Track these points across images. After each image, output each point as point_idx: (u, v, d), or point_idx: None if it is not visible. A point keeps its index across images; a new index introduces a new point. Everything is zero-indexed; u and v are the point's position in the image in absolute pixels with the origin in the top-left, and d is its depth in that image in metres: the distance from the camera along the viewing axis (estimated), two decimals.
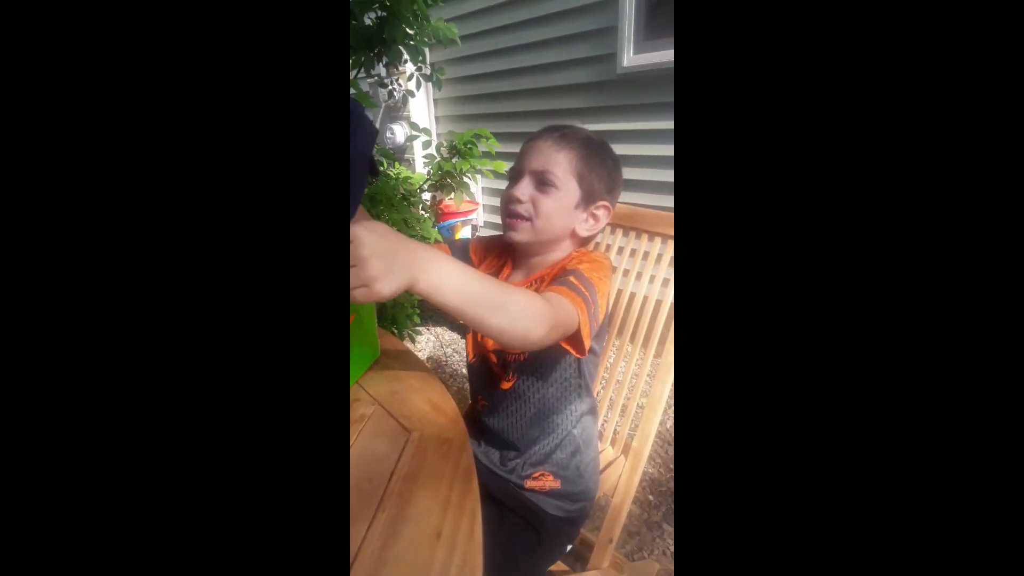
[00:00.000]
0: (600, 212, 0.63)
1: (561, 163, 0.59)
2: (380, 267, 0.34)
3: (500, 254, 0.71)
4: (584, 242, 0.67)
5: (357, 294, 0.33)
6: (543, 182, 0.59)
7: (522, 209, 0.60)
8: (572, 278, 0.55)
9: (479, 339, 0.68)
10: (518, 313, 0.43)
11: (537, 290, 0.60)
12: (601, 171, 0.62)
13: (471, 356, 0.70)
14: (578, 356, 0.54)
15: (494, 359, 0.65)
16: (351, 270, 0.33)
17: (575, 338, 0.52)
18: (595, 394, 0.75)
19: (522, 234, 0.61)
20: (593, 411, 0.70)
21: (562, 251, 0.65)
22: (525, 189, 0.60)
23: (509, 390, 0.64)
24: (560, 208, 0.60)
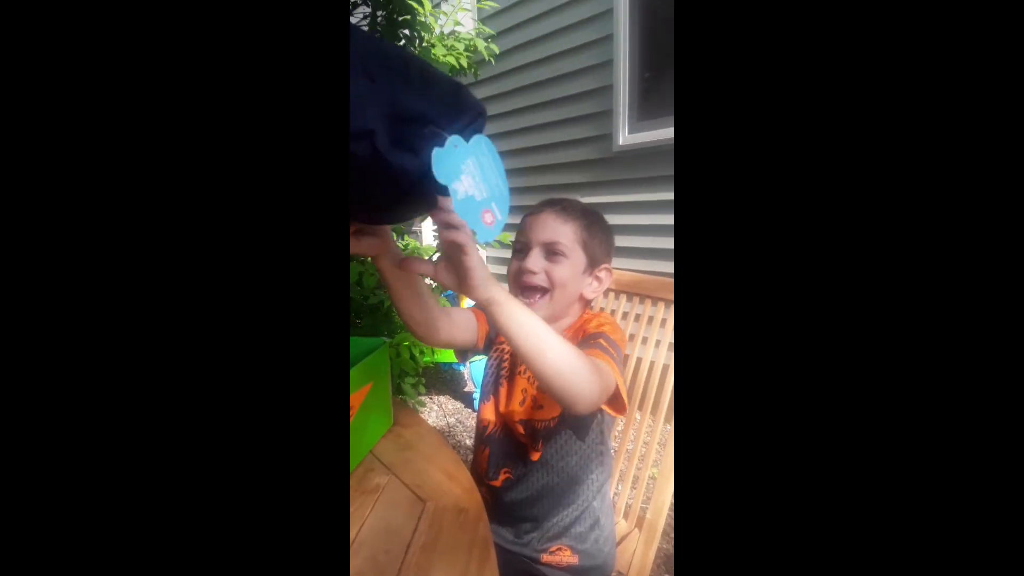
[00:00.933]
0: (603, 274, 0.68)
1: (568, 233, 0.64)
2: (480, 276, 0.42)
3: None
4: (587, 304, 0.71)
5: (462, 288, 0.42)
6: (554, 252, 0.63)
7: (537, 280, 0.64)
8: (602, 340, 0.57)
9: (503, 408, 0.67)
10: (577, 369, 0.46)
11: None
12: (601, 236, 0.67)
13: (492, 426, 0.69)
14: (618, 415, 0.55)
15: (521, 430, 0.65)
16: (462, 271, 0.42)
17: (615, 398, 0.54)
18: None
19: (542, 309, 0.64)
20: (608, 482, 0.69)
21: (572, 315, 0.68)
22: (537, 261, 0.64)
23: (537, 461, 0.63)
24: (572, 275, 0.64)
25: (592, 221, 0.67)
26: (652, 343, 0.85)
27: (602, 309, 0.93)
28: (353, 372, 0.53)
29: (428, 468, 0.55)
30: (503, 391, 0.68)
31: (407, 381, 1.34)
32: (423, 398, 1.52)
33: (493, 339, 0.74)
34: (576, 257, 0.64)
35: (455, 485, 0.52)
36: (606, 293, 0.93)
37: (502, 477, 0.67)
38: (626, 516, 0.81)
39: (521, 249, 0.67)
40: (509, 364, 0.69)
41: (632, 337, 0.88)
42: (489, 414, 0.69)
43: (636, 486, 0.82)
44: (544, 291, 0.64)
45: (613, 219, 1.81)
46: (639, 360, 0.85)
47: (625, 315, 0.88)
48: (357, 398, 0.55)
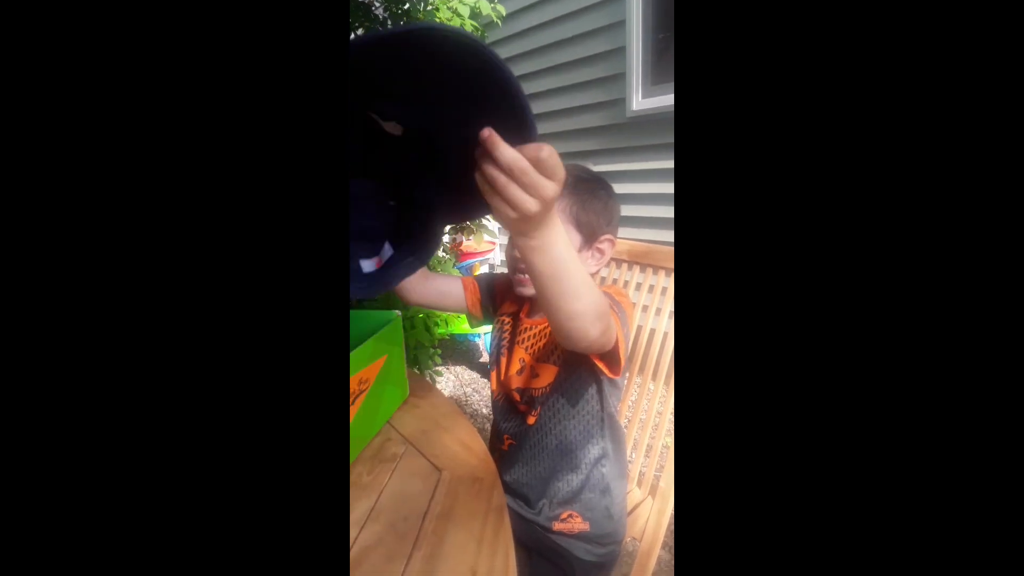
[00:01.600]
0: (604, 246, 0.63)
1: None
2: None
3: (518, 295, 0.73)
4: (593, 277, 0.68)
5: (526, 202, 0.32)
6: None
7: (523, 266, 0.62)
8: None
9: (503, 376, 0.69)
10: (592, 306, 0.41)
11: None
12: (597, 207, 0.62)
13: (496, 395, 0.71)
14: (612, 376, 0.53)
15: (518, 397, 0.66)
16: (529, 179, 0.31)
17: (612, 355, 0.51)
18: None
19: (529, 288, 0.62)
20: (620, 450, 0.69)
21: None
22: None
23: (534, 425, 0.64)
24: None
25: (587, 192, 0.62)
26: (666, 314, 0.84)
27: (614, 281, 0.92)
28: (367, 345, 0.54)
29: (444, 438, 0.56)
30: (503, 360, 0.69)
31: (423, 353, 1.36)
32: (440, 368, 1.55)
33: (493, 308, 0.75)
34: (570, 237, 0.61)
35: (470, 455, 0.53)
36: (618, 264, 0.91)
37: (506, 443, 0.69)
38: (640, 484, 0.83)
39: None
40: (510, 334, 0.70)
41: (646, 308, 0.87)
42: (494, 383, 0.71)
43: (650, 455, 0.82)
44: None
45: (626, 188, 1.76)
46: (652, 331, 0.84)
47: (639, 286, 0.87)
48: (372, 371, 0.56)
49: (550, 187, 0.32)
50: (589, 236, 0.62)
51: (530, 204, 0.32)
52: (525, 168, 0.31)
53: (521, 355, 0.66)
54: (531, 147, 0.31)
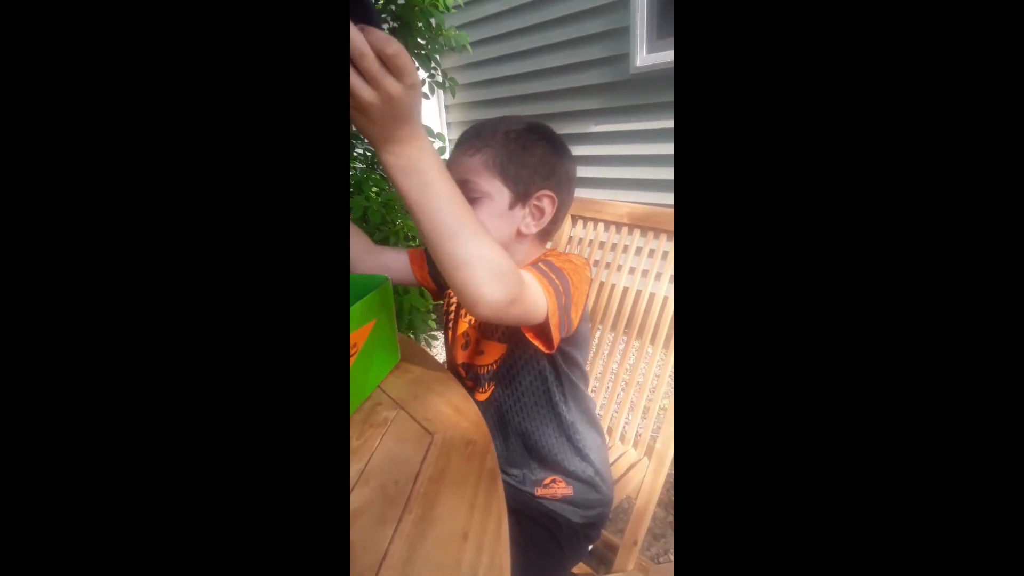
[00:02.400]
0: (544, 203, 0.57)
1: (478, 169, 0.54)
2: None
3: None
4: (543, 237, 0.61)
5: (362, 90, 0.31)
6: (467, 194, 0.52)
7: None
8: (542, 264, 0.51)
9: (450, 355, 0.66)
10: (482, 260, 0.38)
11: None
12: (530, 160, 0.55)
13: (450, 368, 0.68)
14: (546, 351, 0.50)
15: (463, 372, 0.63)
16: (366, 64, 0.30)
17: (542, 329, 0.48)
18: (595, 396, 0.71)
19: None
20: (589, 417, 0.66)
21: (522, 255, 0.60)
22: None
23: (486, 401, 0.62)
24: (493, 216, 0.55)
25: (515, 144, 0.55)
26: (666, 278, 0.82)
27: (614, 246, 0.89)
28: (355, 309, 0.52)
29: (436, 402, 0.55)
30: (449, 335, 0.67)
31: (417, 317, 1.36)
32: (435, 333, 1.54)
33: (444, 284, 0.70)
34: (495, 193, 0.55)
35: (463, 418, 0.52)
36: (618, 228, 0.89)
37: None
38: (636, 445, 0.83)
39: None
40: (455, 307, 0.67)
41: (645, 273, 0.85)
42: (448, 360, 0.69)
43: (646, 416, 0.83)
44: None
45: (628, 149, 1.70)
46: (652, 296, 0.83)
47: (639, 250, 0.84)
48: (360, 335, 0.54)
49: (393, 84, 0.31)
50: (522, 192, 0.56)
51: (366, 93, 0.31)
52: (363, 51, 0.29)
53: (465, 328, 0.64)
54: (378, 36, 0.30)
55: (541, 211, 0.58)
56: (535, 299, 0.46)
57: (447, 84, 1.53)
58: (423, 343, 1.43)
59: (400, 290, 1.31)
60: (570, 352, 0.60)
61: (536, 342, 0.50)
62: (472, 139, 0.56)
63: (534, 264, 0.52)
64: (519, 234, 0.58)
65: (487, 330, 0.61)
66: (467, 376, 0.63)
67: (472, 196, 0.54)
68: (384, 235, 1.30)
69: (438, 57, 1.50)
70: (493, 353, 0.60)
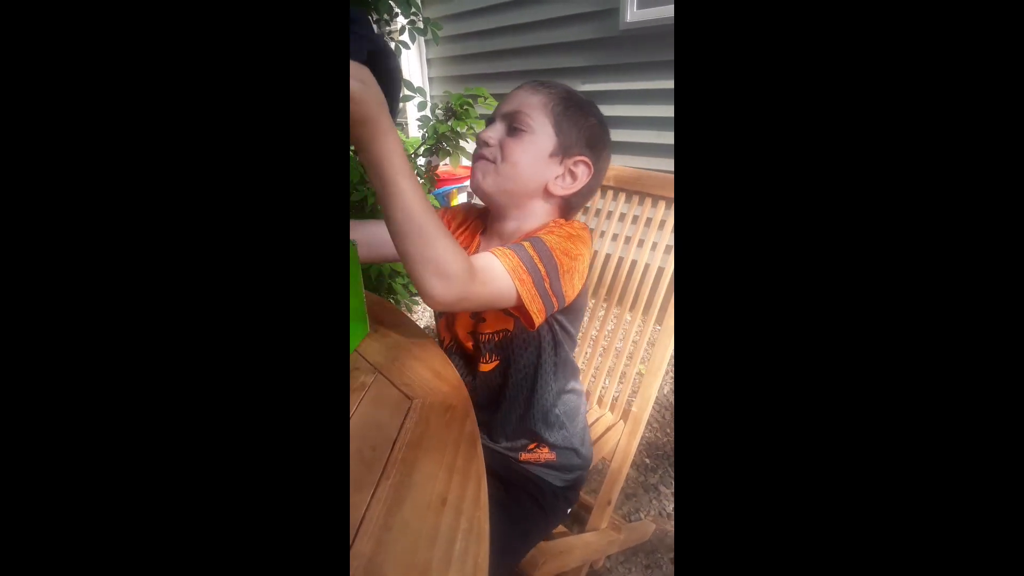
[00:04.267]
0: (579, 169, 0.57)
1: (535, 105, 0.55)
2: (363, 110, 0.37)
3: (474, 221, 0.67)
4: (564, 207, 0.60)
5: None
6: (515, 124, 0.55)
7: (488, 152, 0.56)
8: (527, 244, 0.50)
9: (449, 322, 0.65)
10: (429, 260, 0.42)
11: None
12: (581, 121, 0.56)
13: (445, 340, 0.67)
14: (528, 328, 0.52)
15: (470, 342, 0.63)
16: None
17: (520, 310, 0.50)
18: (581, 367, 0.73)
19: (486, 179, 0.56)
20: (576, 388, 0.68)
21: (536, 216, 0.59)
22: (495, 132, 0.56)
23: (490, 372, 0.62)
24: (531, 154, 0.55)
25: (574, 102, 0.57)
26: (648, 245, 0.81)
27: (598, 211, 0.87)
28: None
29: (415, 366, 0.54)
30: None
31: (397, 282, 1.33)
32: (416, 298, 1.52)
33: None
34: (542, 133, 0.55)
35: (442, 383, 0.51)
36: (602, 192, 0.86)
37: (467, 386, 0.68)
38: (612, 408, 0.85)
39: (488, 122, 0.59)
40: None
41: (628, 240, 0.84)
42: (443, 330, 0.67)
43: (623, 381, 0.84)
44: (493, 164, 0.56)
45: (617, 110, 1.65)
46: (633, 263, 0.82)
47: (623, 216, 0.83)
48: None
49: (353, 84, 0.36)
50: (565, 146, 0.56)
51: None
52: None
53: None
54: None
55: (575, 176, 0.57)
56: (496, 290, 0.48)
57: (428, 31, 1.43)
58: (403, 308, 1.41)
59: None
60: (564, 322, 0.60)
61: (519, 316, 0.51)
62: (537, 83, 0.58)
63: (519, 244, 0.51)
64: (547, 192, 0.57)
65: None
66: (473, 345, 0.63)
67: (520, 128, 0.55)
68: (362, 195, 1.25)
69: (419, 2, 1.40)
70: (498, 323, 0.59)
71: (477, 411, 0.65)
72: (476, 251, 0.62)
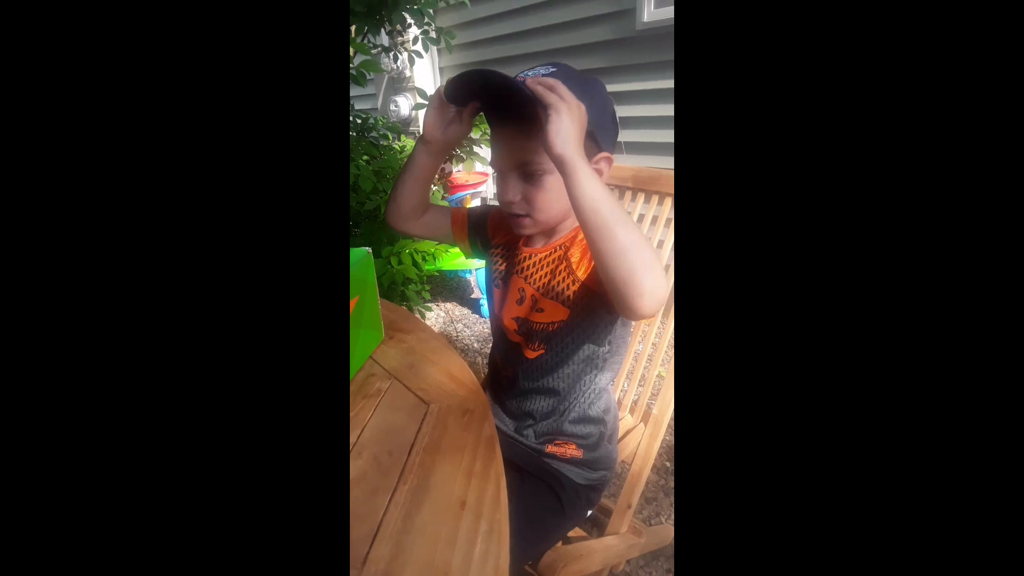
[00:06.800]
0: (602, 165, 0.56)
1: (537, 149, 0.52)
2: (560, 133, 0.42)
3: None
4: None
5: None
6: (528, 173, 0.55)
7: (518, 209, 0.56)
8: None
9: (498, 309, 0.66)
10: (647, 258, 0.41)
11: (563, 255, 0.58)
12: (607, 119, 0.56)
13: (495, 327, 0.69)
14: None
15: (515, 327, 0.63)
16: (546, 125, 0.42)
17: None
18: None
19: (528, 229, 0.59)
20: (611, 382, 0.67)
21: (574, 219, 0.60)
22: (513, 187, 0.56)
23: (536, 359, 0.62)
24: (556, 191, 0.54)
25: (600, 98, 0.56)
26: (668, 246, 0.80)
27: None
28: None
29: (432, 371, 0.54)
30: (498, 293, 0.66)
31: (411, 288, 1.33)
32: (430, 304, 1.53)
33: (483, 242, 0.71)
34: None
35: (459, 387, 0.51)
36: (621, 191, 0.86)
37: (507, 373, 0.67)
38: (632, 411, 0.84)
39: (498, 172, 0.57)
40: (506, 265, 0.66)
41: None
42: (492, 317, 0.69)
43: (644, 384, 0.83)
44: (529, 218, 0.57)
45: (633, 110, 1.63)
46: None
47: (642, 217, 0.82)
48: None
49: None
50: (593, 137, 0.54)
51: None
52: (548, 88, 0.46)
53: (520, 285, 0.62)
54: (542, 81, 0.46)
55: (600, 173, 0.56)
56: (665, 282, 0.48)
57: (442, 40, 1.45)
58: (416, 314, 1.42)
59: (393, 261, 1.28)
60: (624, 320, 0.60)
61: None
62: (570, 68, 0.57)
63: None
64: None
65: (549, 290, 0.60)
66: (518, 330, 0.63)
67: (537, 173, 0.55)
68: (376, 204, 1.26)
69: (431, 12, 1.42)
70: (554, 314, 0.59)
71: (512, 398, 0.65)
72: (521, 246, 0.64)
